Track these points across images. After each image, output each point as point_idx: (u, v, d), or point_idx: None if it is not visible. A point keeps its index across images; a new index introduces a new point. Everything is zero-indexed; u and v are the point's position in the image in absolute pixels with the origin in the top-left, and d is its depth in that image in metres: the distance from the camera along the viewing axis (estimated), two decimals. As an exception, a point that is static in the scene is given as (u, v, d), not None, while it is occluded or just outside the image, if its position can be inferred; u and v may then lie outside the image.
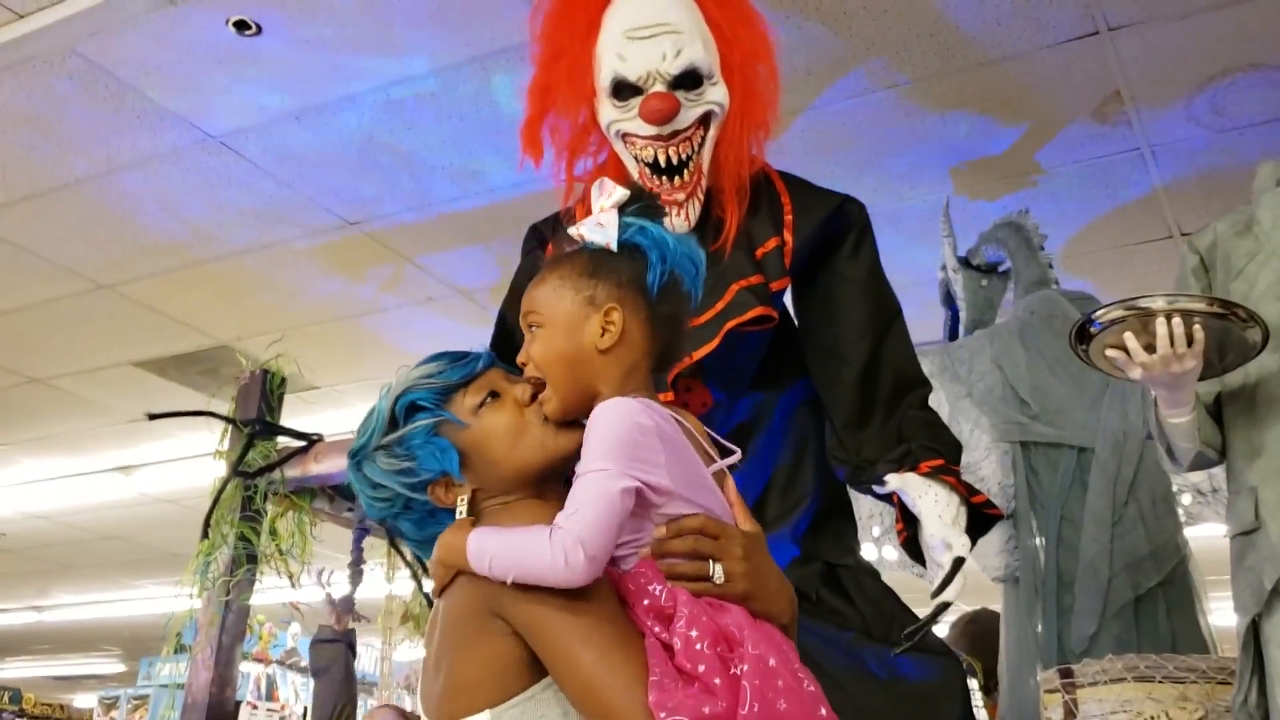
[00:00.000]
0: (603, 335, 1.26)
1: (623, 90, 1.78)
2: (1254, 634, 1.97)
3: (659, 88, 1.76)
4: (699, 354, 1.73)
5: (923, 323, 2.76)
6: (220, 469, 3.89)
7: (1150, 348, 1.88)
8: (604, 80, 1.80)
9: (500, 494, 1.28)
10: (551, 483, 1.30)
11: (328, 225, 3.94)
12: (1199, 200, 3.61)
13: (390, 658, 4.77)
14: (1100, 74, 3.06)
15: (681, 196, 1.78)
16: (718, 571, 1.18)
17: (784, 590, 1.25)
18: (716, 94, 1.80)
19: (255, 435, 3.83)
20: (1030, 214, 3.24)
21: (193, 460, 5.98)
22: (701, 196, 1.82)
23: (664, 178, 1.78)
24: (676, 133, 1.77)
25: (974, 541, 1.72)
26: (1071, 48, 2.95)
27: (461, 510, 1.27)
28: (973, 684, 2.74)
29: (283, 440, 3.90)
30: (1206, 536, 3.01)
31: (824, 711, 1.12)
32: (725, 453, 1.33)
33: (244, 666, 5.91)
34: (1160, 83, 3.09)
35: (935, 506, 1.69)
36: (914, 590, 2.13)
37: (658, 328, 1.29)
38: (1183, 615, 2.68)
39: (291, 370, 4.13)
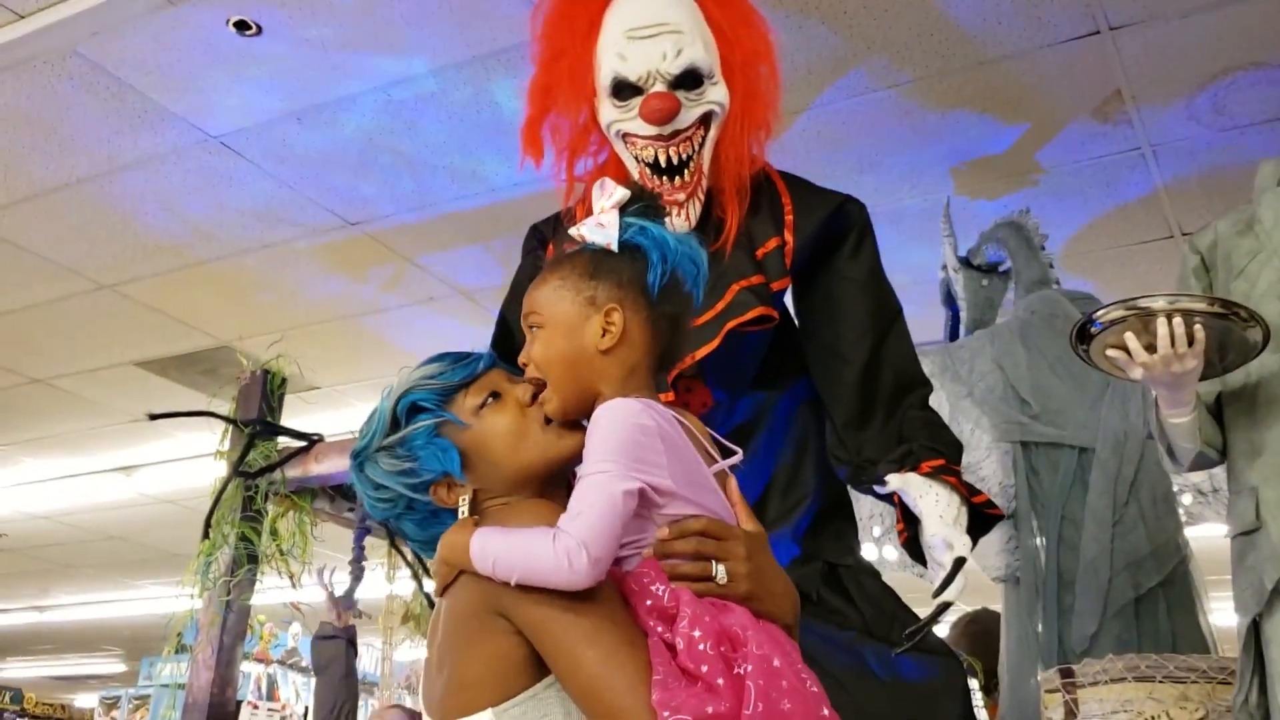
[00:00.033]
0: (603, 336, 1.26)
1: (623, 90, 1.79)
2: (1254, 634, 1.97)
3: (659, 87, 1.76)
4: (700, 354, 1.73)
5: (923, 323, 2.75)
6: (221, 469, 3.88)
7: (1151, 347, 1.88)
8: (604, 80, 1.80)
9: (502, 494, 1.29)
10: (553, 483, 1.30)
11: (328, 225, 3.94)
12: (1200, 200, 3.61)
13: (391, 658, 4.76)
14: (1101, 73, 3.06)
15: (682, 196, 1.78)
16: (720, 572, 1.18)
17: (787, 591, 1.25)
18: (717, 94, 1.80)
19: (256, 435, 3.83)
20: (1031, 213, 3.24)
21: (193, 460, 5.98)
22: (702, 196, 1.82)
23: (664, 178, 1.79)
24: (677, 133, 1.77)
25: (975, 541, 1.72)
26: (1072, 47, 2.95)
27: (463, 510, 1.27)
28: (973, 684, 2.75)
29: (283, 440, 3.90)
30: (1207, 536, 3.01)
31: (826, 712, 1.12)
32: (727, 453, 1.33)
33: (245, 666, 5.92)
34: (1161, 82, 3.09)
35: (936, 506, 1.69)
36: (915, 590, 2.13)
37: (659, 328, 1.29)
38: (1183, 615, 2.68)
39: (292, 370, 4.12)
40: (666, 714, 1.05)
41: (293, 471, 3.80)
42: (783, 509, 1.87)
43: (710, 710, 1.05)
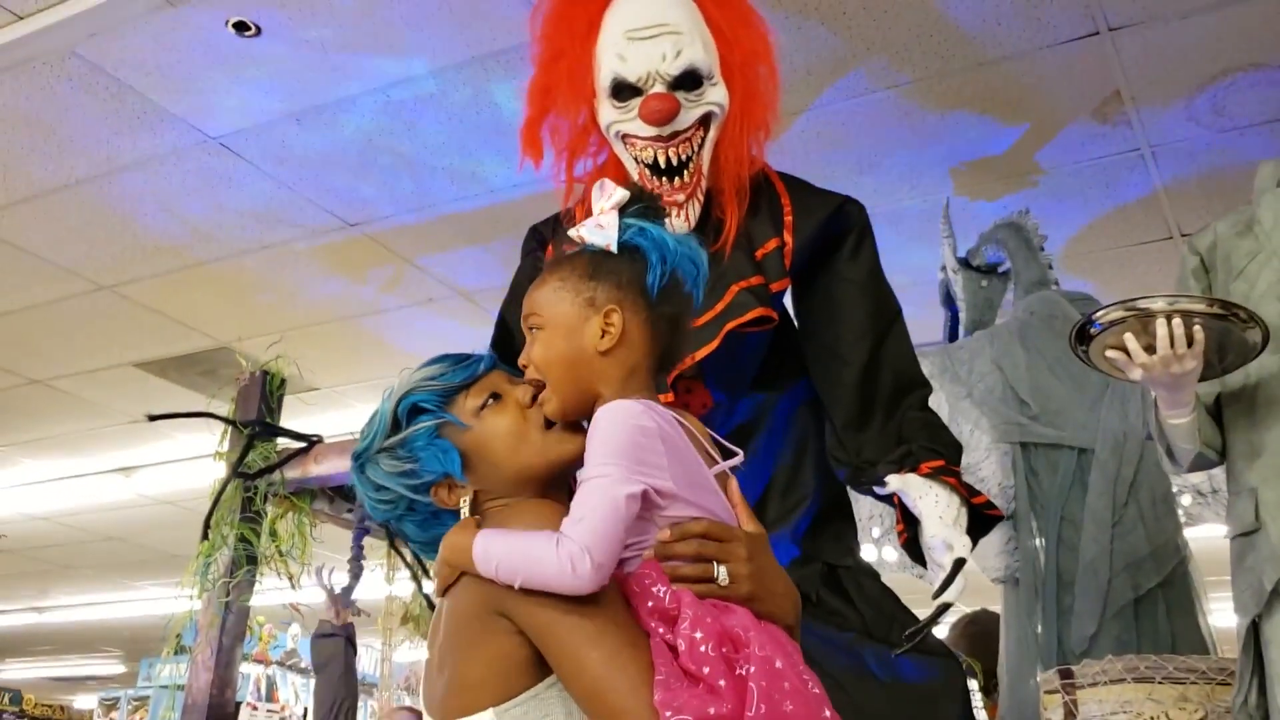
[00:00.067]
0: (603, 337, 1.26)
1: (622, 91, 1.78)
2: (1254, 635, 1.97)
3: (659, 88, 1.76)
4: (699, 355, 1.73)
5: (923, 323, 2.75)
6: (220, 470, 3.88)
7: (1150, 349, 1.89)
8: (604, 81, 1.80)
9: (502, 495, 1.29)
10: (555, 485, 1.30)
11: (328, 226, 3.94)
12: (1199, 200, 3.61)
13: (390, 659, 4.76)
14: (1100, 74, 3.06)
15: (681, 197, 1.78)
16: (722, 574, 1.18)
17: (788, 592, 1.25)
18: (716, 95, 1.80)
19: (255, 436, 3.83)
20: (1030, 214, 3.24)
21: (193, 461, 5.98)
22: (701, 197, 1.82)
23: (664, 179, 1.78)
24: (676, 133, 1.77)
25: (975, 542, 1.72)
26: (1072, 48, 2.95)
27: (464, 511, 1.27)
28: (972, 685, 2.74)
29: (283, 441, 3.90)
30: (1206, 537, 3.01)
31: (828, 713, 1.12)
32: (727, 454, 1.33)
33: (244, 668, 5.92)
34: (1160, 83, 3.09)
35: (936, 507, 1.69)
36: (914, 591, 2.13)
37: (658, 329, 1.29)
38: (1183, 616, 2.68)
39: (291, 371, 4.12)
40: (669, 714, 1.04)
41: (292, 472, 3.80)
42: (782, 510, 1.87)
43: (712, 711, 1.05)
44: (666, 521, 1.19)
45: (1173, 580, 2.70)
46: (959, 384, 3.03)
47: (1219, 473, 2.36)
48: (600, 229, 1.29)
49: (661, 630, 1.13)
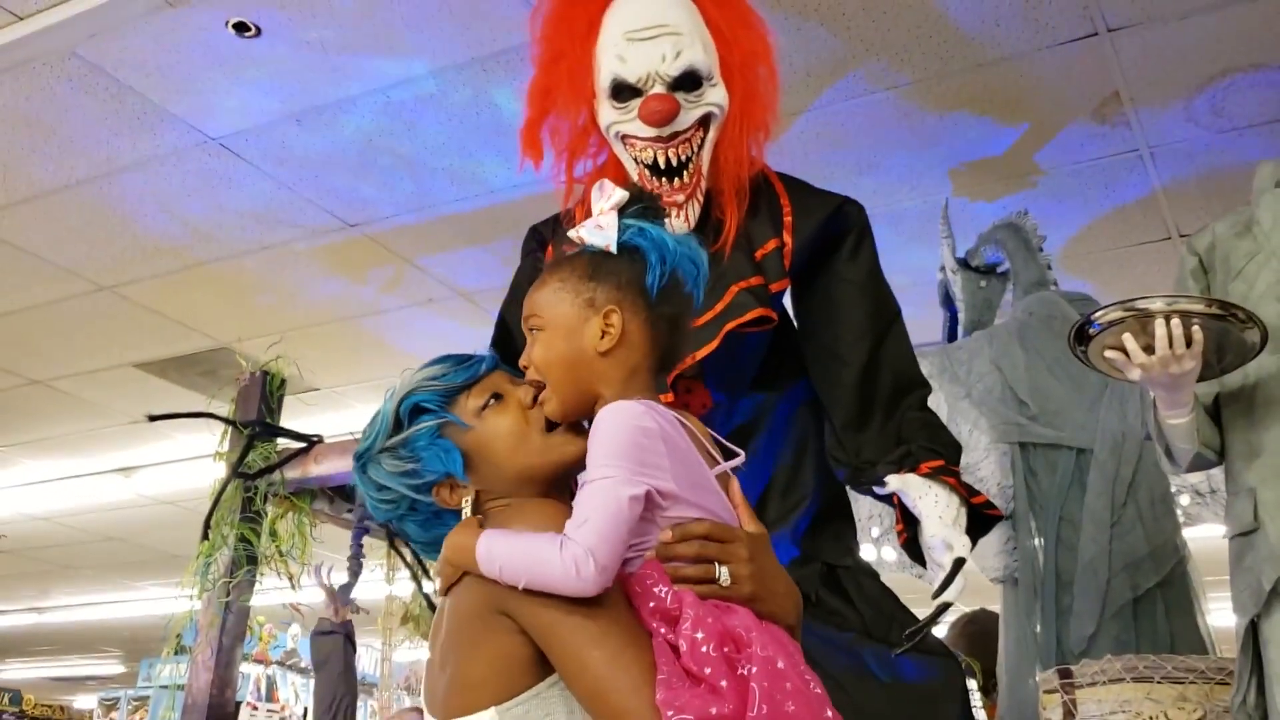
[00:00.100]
0: (602, 338, 1.26)
1: (622, 92, 1.79)
2: (1252, 634, 1.97)
3: (658, 89, 1.76)
4: (699, 355, 1.73)
5: (922, 324, 2.76)
6: (220, 470, 3.88)
7: (1149, 349, 1.89)
8: (603, 82, 1.81)
9: (504, 495, 1.29)
10: (556, 485, 1.31)
11: (328, 227, 3.94)
12: (1198, 201, 3.61)
13: (390, 658, 4.77)
14: (1099, 75, 3.07)
15: (681, 198, 1.79)
16: (724, 574, 1.18)
17: (790, 592, 1.25)
18: (716, 95, 1.80)
19: (255, 437, 3.83)
20: (1029, 215, 3.25)
21: (193, 462, 5.98)
22: (701, 198, 1.82)
23: (663, 179, 1.79)
24: (676, 134, 1.77)
25: (974, 542, 1.72)
26: (1071, 49, 2.96)
27: (466, 511, 1.27)
28: (971, 685, 2.75)
29: (283, 442, 3.90)
30: (1205, 537, 3.02)
31: (830, 714, 1.12)
32: (728, 454, 1.33)
33: (244, 667, 5.92)
34: (1159, 84, 3.09)
35: (936, 507, 1.70)
36: (913, 591, 2.13)
37: (658, 329, 1.29)
38: (1181, 616, 2.68)
39: (291, 372, 4.12)
40: (671, 714, 1.05)
41: (292, 473, 3.80)
42: (782, 510, 1.88)
43: (714, 711, 1.05)
44: (668, 522, 1.19)
45: (1171, 580, 2.70)
46: (958, 384, 3.04)
47: (1217, 473, 2.36)
48: (599, 230, 1.29)
49: (663, 630, 1.14)
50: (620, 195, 1.30)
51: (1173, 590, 2.69)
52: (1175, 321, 1.86)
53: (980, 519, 1.76)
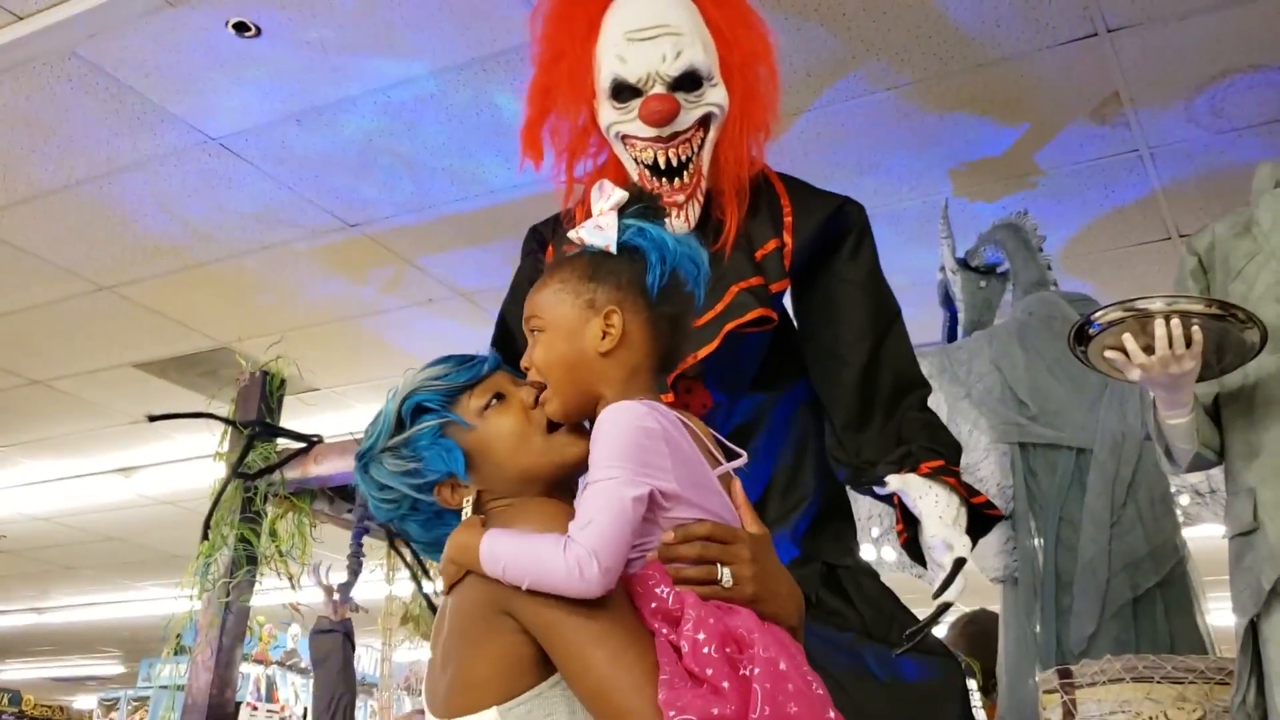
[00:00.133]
0: (603, 338, 1.26)
1: (622, 92, 1.79)
2: (1252, 634, 1.97)
3: (659, 89, 1.76)
4: (699, 355, 1.73)
5: (921, 324, 2.76)
6: (220, 470, 3.89)
7: (1149, 349, 1.89)
8: (604, 82, 1.81)
9: (506, 495, 1.29)
10: (558, 486, 1.31)
11: (328, 227, 3.94)
12: (1198, 201, 3.61)
13: (390, 659, 4.77)
14: (1099, 75, 3.07)
15: (681, 198, 1.79)
16: (726, 575, 1.18)
17: (792, 592, 1.25)
18: (716, 95, 1.80)
19: (255, 437, 3.83)
20: (1029, 215, 3.25)
21: (193, 462, 5.99)
22: (701, 198, 1.82)
23: (664, 180, 1.79)
24: (676, 134, 1.77)
25: (974, 542, 1.72)
26: (1070, 49, 2.96)
27: (467, 511, 1.28)
28: (971, 685, 2.75)
29: (283, 442, 3.90)
30: (1205, 537, 3.02)
31: (832, 715, 1.12)
32: (730, 454, 1.33)
33: (244, 668, 5.92)
34: (1159, 84, 3.09)
35: (936, 507, 1.70)
36: (913, 591, 2.13)
37: (659, 329, 1.29)
38: (1181, 616, 2.68)
39: (291, 372, 4.13)
40: (672, 714, 1.05)
41: (292, 473, 3.80)
42: (782, 510, 1.87)
43: (716, 712, 1.05)
44: (670, 523, 1.19)
45: (1171, 580, 2.70)
46: (958, 384, 3.04)
47: (1217, 473, 2.36)
48: (599, 230, 1.29)
49: (665, 631, 1.14)
50: (620, 195, 1.30)
51: (1172, 590, 2.70)
52: (1175, 322, 1.86)
53: (980, 519, 1.76)
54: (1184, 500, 2.94)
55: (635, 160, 1.81)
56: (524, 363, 1.31)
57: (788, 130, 3.28)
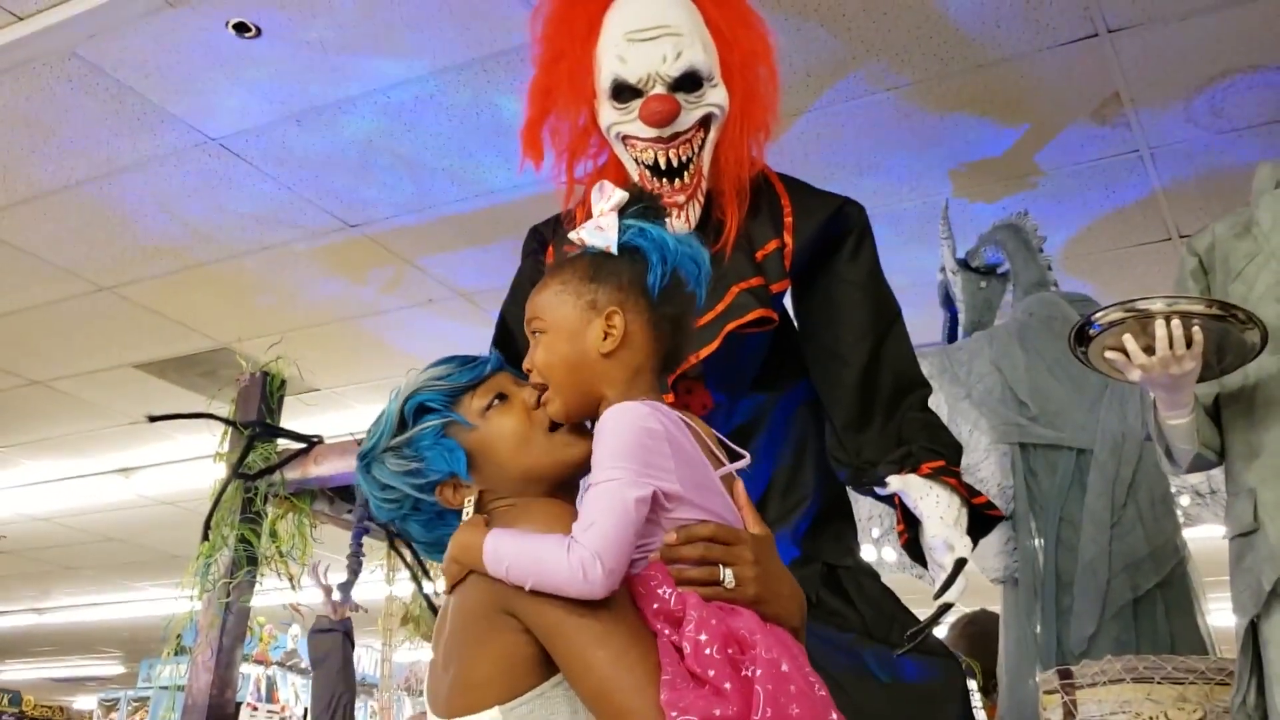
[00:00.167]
0: (605, 339, 1.26)
1: (623, 92, 1.79)
2: (1252, 635, 1.97)
3: (659, 90, 1.76)
4: (699, 356, 1.73)
5: (922, 324, 2.76)
6: (220, 471, 3.89)
7: (1149, 349, 1.89)
8: (604, 82, 1.81)
9: (508, 495, 1.29)
10: (561, 486, 1.31)
11: (328, 227, 3.94)
12: (1198, 202, 3.61)
13: (390, 659, 4.77)
14: (1099, 76, 3.07)
15: (682, 199, 1.79)
16: (728, 576, 1.18)
17: (794, 593, 1.26)
18: (716, 96, 1.80)
19: (255, 437, 3.83)
20: (1029, 216, 3.25)
21: (193, 462, 5.99)
22: (702, 199, 1.82)
23: (664, 180, 1.79)
24: (677, 135, 1.77)
25: (975, 543, 1.72)
26: (1071, 49, 2.96)
27: (468, 511, 1.28)
28: (971, 685, 2.75)
29: (283, 442, 3.90)
30: (1205, 538, 3.02)
31: (834, 716, 1.12)
32: (732, 455, 1.33)
33: (244, 668, 5.92)
34: (1159, 84, 3.09)
35: (937, 508, 1.70)
36: (913, 591, 2.13)
37: (661, 329, 1.29)
38: (1181, 616, 2.68)
39: (291, 372, 4.13)
40: (674, 714, 1.05)
41: (292, 473, 3.80)
42: (782, 510, 1.87)
43: (718, 713, 1.05)
44: (673, 524, 1.19)
45: (1171, 581, 2.70)
46: (958, 385, 3.04)
47: (1217, 473, 2.36)
48: (600, 231, 1.29)
49: (667, 632, 1.14)
50: (620, 196, 1.30)
51: (1173, 591, 2.69)
52: (1175, 322, 1.86)
53: (981, 519, 1.76)
54: (1184, 501, 2.94)
55: (635, 161, 1.80)
56: (526, 364, 1.31)
57: (788, 130, 3.28)
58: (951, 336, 3.41)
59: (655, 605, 1.15)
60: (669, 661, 1.10)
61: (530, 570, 1.13)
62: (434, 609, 4.10)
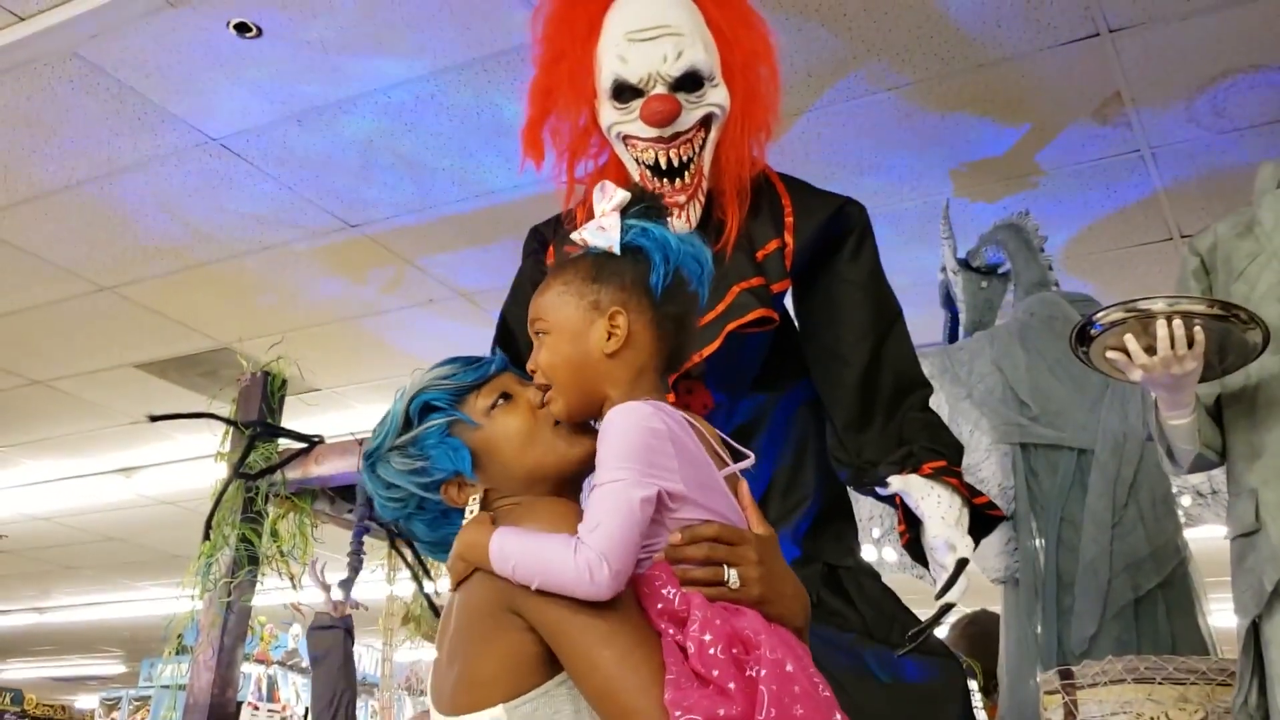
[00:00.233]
0: (608, 339, 1.26)
1: (623, 92, 1.79)
2: (1254, 635, 1.97)
3: (660, 90, 1.76)
4: (701, 355, 1.73)
5: (922, 324, 2.76)
6: (221, 471, 3.89)
7: (1151, 350, 1.89)
8: (605, 82, 1.81)
9: (512, 494, 1.29)
10: (565, 486, 1.31)
11: (328, 227, 3.94)
12: (1199, 202, 3.61)
13: (391, 659, 4.77)
14: (1100, 75, 3.07)
15: (682, 199, 1.79)
16: (732, 577, 1.18)
17: (798, 593, 1.25)
18: (717, 96, 1.80)
19: (256, 437, 3.84)
20: (1030, 215, 3.25)
21: (194, 462, 5.99)
22: (702, 198, 1.82)
23: (665, 180, 1.79)
24: (677, 135, 1.77)
25: (976, 543, 1.72)
26: (1072, 49, 2.96)
27: (472, 509, 1.28)
28: (972, 685, 2.75)
29: (284, 442, 3.91)
30: (1206, 538, 3.01)
31: (838, 717, 1.12)
32: (736, 455, 1.32)
33: (245, 667, 5.93)
34: (1160, 84, 3.09)
35: (938, 508, 1.70)
36: (914, 591, 2.13)
37: (664, 329, 1.29)
38: (1183, 616, 2.68)
39: (292, 372, 4.13)
40: (679, 714, 1.05)
41: (293, 473, 3.81)
42: (783, 510, 1.87)
43: (722, 713, 1.05)
44: (677, 524, 1.19)
45: (1173, 581, 2.70)
46: (959, 385, 3.03)
47: (1219, 474, 2.36)
48: (602, 231, 1.29)
49: (671, 631, 1.14)
50: (622, 196, 1.30)
51: (1174, 591, 2.69)
52: (1177, 322, 1.86)
53: (982, 520, 1.76)
54: (1186, 501, 2.94)
55: (636, 161, 1.80)
56: (530, 365, 1.31)
57: (788, 130, 3.28)
58: (952, 336, 3.40)
59: (660, 605, 1.15)
60: (673, 661, 1.10)
61: (536, 570, 1.13)
62: (435, 609, 4.11)
